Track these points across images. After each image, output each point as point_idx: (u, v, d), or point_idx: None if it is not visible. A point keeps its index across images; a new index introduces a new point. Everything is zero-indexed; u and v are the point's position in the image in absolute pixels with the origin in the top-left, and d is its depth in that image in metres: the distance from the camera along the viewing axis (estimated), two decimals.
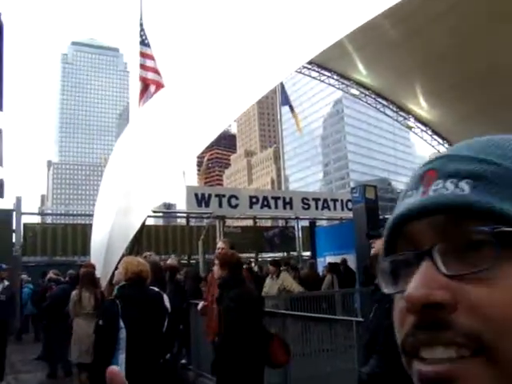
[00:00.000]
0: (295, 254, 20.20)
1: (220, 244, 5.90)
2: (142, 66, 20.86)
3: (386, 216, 26.44)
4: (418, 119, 23.85)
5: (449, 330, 0.47)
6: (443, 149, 25.51)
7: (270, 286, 9.95)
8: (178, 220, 28.31)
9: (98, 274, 8.46)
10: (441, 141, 24.81)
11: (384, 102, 23.01)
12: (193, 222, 21.15)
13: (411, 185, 0.57)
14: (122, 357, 3.69)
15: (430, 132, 24.39)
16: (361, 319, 4.77)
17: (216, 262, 4.78)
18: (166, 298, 4.36)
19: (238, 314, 4.22)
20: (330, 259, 13.98)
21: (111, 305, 3.89)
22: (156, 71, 20.75)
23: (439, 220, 0.51)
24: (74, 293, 7.03)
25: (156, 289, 4.21)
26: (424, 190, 0.54)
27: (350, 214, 18.02)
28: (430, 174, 0.55)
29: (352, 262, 13.11)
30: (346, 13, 7.74)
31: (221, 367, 4.38)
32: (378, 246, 3.48)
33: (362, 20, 7.15)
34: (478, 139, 0.56)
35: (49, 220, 35.28)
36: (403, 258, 0.54)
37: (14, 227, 15.90)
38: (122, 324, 3.72)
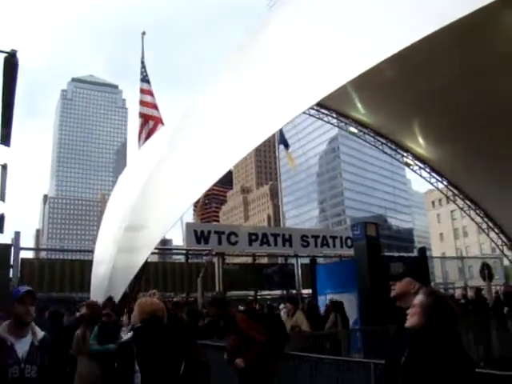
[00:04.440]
0: (294, 291, 19.99)
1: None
2: (142, 102, 21.14)
3: (386, 254, 26.40)
4: (417, 157, 23.98)
5: None
6: (441, 186, 25.64)
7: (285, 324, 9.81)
8: (174, 256, 28.16)
9: None
10: (439, 178, 24.93)
11: (382, 140, 23.17)
12: (191, 259, 21.01)
13: None
14: None
15: (428, 169, 24.51)
16: (380, 361, 4.63)
17: None
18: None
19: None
20: (331, 298, 13.77)
21: (126, 347, 3.80)
22: (155, 107, 21.03)
23: None
24: (78, 332, 6.93)
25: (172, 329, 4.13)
26: None
27: (350, 252, 17.97)
28: None
29: (351, 301, 12.91)
30: (348, 59, 7.80)
31: None
32: (398, 287, 3.42)
33: (364, 66, 7.17)
34: None
35: (43, 255, 34.97)
36: None
37: (11, 262, 15.77)
38: (136, 367, 3.63)
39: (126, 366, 3.66)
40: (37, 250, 25.54)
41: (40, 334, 3.73)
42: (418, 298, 2.88)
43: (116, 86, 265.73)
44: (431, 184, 25.64)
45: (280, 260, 22.73)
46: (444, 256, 45.28)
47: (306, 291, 19.14)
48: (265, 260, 25.76)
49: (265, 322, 5.91)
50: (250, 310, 6.85)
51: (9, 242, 15.93)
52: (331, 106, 21.55)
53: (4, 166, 9.77)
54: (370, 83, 16.29)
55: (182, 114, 13.08)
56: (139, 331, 3.89)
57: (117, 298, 9.64)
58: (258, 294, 20.00)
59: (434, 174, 24.79)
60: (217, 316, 6.03)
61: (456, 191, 25.95)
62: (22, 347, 3.56)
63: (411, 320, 2.84)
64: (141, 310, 4.03)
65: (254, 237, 18.45)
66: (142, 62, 21.73)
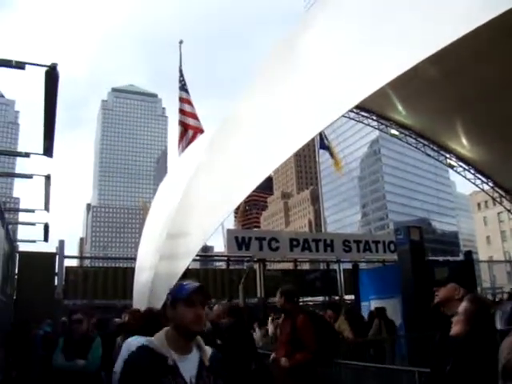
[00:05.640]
0: (337, 297, 19.74)
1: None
2: (181, 111, 21.34)
3: (431, 258, 25.88)
4: (460, 158, 23.47)
5: None
6: (487, 187, 25.01)
7: None
8: (215, 262, 28.35)
9: None
10: (484, 179, 24.35)
11: (425, 142, 22.76)
12: (232, 265, 21.04)
13: None
14: None
15: (472, 171, 23.95)
16: (425, 369, 4.49)
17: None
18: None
19: None
20: (374, 304, 13.56)
21: None
22: (194, 116, 21.20)
23: None
24: (118, 338, 7.01)
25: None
26: None
27: (393, 256, 17.67)
28: None
29: (395, 306, 12.67)
30: (387, 59, 7.65)
31: None
32: (442, 293, 3.31)
33: (403, 67, 7.00)
34: None
35: (87, 263, 35.76)
36: None
37: (56, 270, 16.06)
38: None
39: None
40: (81, 258, 26.15)
41: (208, 349, 2.67)
42: (462, 305, 2.78)
43: (155, 95, 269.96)
44: (476, 186, 25.08)
45: (322, 266, 22.55)
46: (491, 260, 44.19)
47: (349, 297, 18.91)
48: (306, 266, 25.58)
49: (320, 329, 5.82)
50: (312, 314, 6.72)
51: (53, 250, 16.24)
52: (371, 109, 21.31)
53: (47, 177, 10.01)
54: (411, 84, 16.05)
55: (221, 120, 13.12)
56: None
57: (159, 304, 9.69)
58: (300, 300, 19.79)
59: (478, 176, 24.23)
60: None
61: (503, 192, 25.30)
62: (188, 368, 2.49)
63: (455, 328, 2.75)
64: None
65: (295, 242, 18.33)
66: (180, 71, 21.92)
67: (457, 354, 2.67)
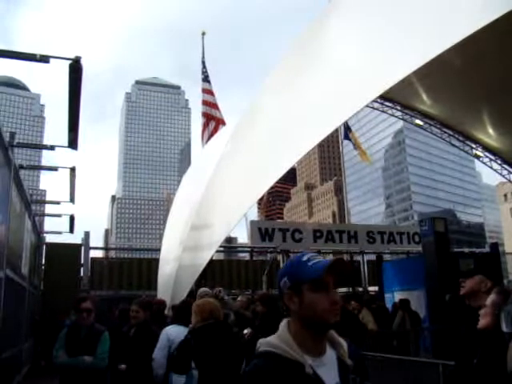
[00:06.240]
0: (361, 289, 19.66)
1: None
2: (204, 102, 21.45)
3: (456, 249, 25.61)
4: (487, 148, 23.10)
5: None
6: None
7: None
8: (239, 254, 28.38)
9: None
10: (511, 170, 23.95)
11: (450, 132, 22.45)
12: (255, 256, 21.06)
13: None
14: None
15: (499, 161, 23.57)
16: (449, 362, 4.45)
17: None
18: None
19: None
20: (398, 295, 13.45)
21: (186, 341, 3.86)
22: (216, 107, 21.29)
23: None
24: None
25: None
26: None
27: (417, 248, 17.52)
28: None
29: (419, 298, 12.57)
30: (411, 48, 7.55)
31: None
32: (468, 285, 3.27)
33: (428, 56, 6.91)
34: None
35: (112, 254, 36.11)
36: None
37: (82, 261, 16.25)
38: (193, 365, 3.65)
39: (184, 355, 3.70)
40: (106, 249, 26.42)
41: (344, 342, 1.87)
42: (490, 298, 2.73)
43: (178, 87, 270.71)
44: (503, 176, 24.69)
45: (345, 257, 22.43)
46: None
47: (373, 288, 18.81)
48: (330, 257, 25.47)
49: (345, 320, 5.81)
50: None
51: (79, 241, 16.44)
52: (395, 98, 21.07)
53: (72, 169, 10.13)
54: (435, 73, 15.82)
55: (244, 111, 13.11)
56: (199, 332, 3.91)
57: (183, 295, 9.75)
58: None
59: (505, 166, 23.84)
60: None
61: None
62: (329, 374, 1.72)
63: (483, 321, 2.70)
64: (201, 311, 4.06)
65: (318, 234, 18.30)
66: (203, 62, 22.02)
67: (485, 347, 2.63)
